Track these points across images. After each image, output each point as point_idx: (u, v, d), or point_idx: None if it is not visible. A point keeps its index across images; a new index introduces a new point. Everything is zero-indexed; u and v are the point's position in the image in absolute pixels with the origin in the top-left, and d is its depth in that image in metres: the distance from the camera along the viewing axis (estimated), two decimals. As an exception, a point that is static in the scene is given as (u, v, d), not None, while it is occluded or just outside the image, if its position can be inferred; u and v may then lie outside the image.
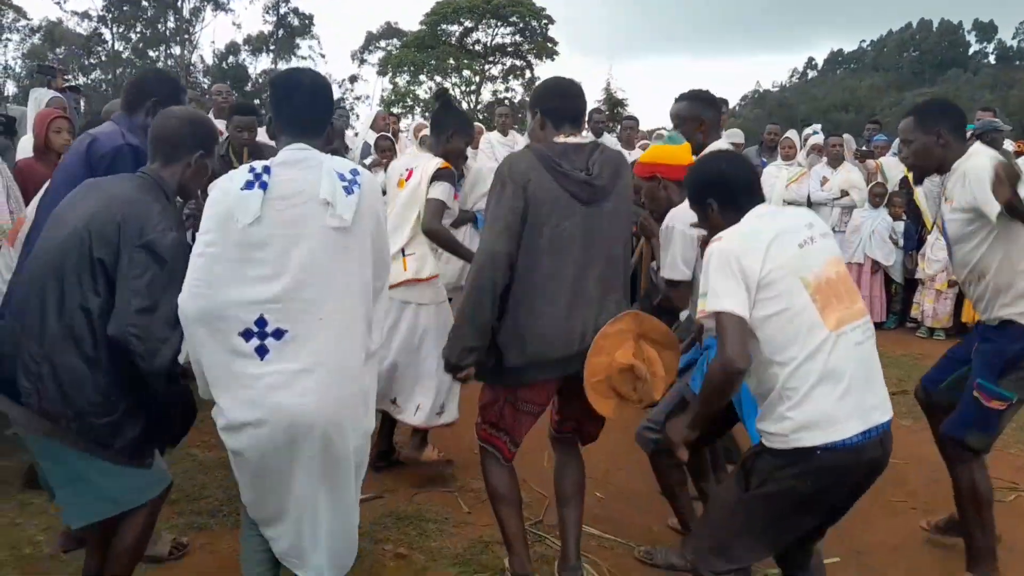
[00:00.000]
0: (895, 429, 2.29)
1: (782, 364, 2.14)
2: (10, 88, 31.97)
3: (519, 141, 8.20)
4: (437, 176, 3.62)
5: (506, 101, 33.97)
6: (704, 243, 2.52)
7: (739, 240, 2.22)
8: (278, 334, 2.07)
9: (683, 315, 3.25)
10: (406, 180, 3.74)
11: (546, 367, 2.63)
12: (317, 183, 2.13)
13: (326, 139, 2.34)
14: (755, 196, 2.39)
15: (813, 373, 2.12)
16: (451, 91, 36.11)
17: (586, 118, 2.84)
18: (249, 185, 2.10)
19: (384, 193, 3.85)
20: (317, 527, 2.24)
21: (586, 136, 2.77)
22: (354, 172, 2.20)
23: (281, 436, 2.08)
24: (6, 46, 36.42)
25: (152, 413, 2.30)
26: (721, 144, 3.52)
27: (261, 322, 2.07)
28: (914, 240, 7.73)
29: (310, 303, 2.09)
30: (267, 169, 2.14)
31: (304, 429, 2.09)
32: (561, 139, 2.70)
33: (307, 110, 2.29)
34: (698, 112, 3.40)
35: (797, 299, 2.15)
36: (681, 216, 2.91)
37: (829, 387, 2.12)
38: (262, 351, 2.07)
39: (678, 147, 3.09)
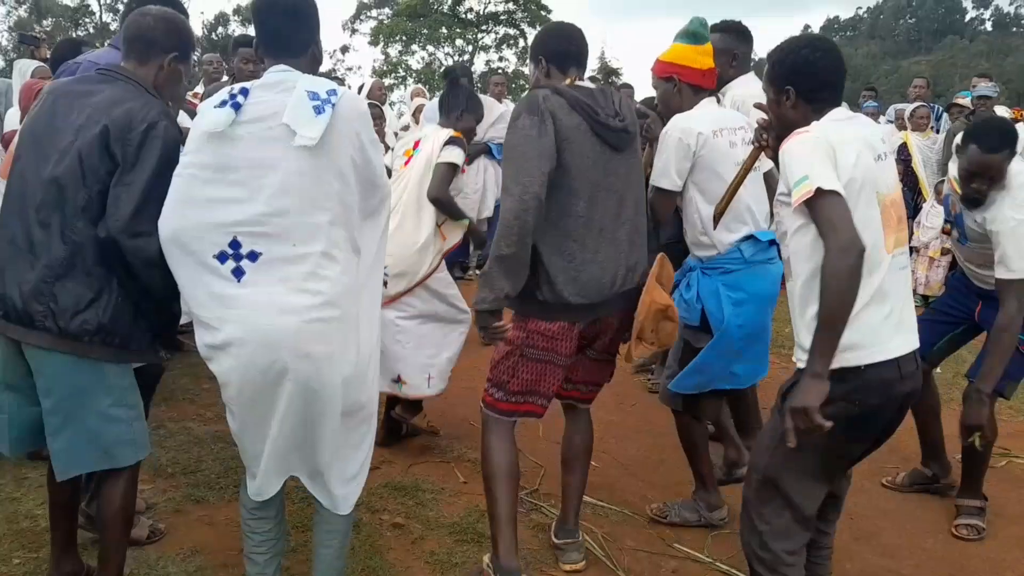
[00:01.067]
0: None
1: None
2: (-2, 61, 31.58)
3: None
4: (449, 142, 3.61)
5: (500, 70, 33.66)
6: (766, 140, 2.43)
7: (832, 133, 2.12)
8: (253, 256, 2.05)
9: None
10: (412, 149, 3.72)
11: (577, 310, 2.56)
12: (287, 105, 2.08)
13: (312, 58, 2.27)
14: (837, 97, 2.28)
15: (867, 290, 2.08)
16: (444, 62, 35.87)
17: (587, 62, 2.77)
18: (223, 104, 2.08)
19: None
20: (300, 457, 2.23)
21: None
22: (331, 92, 2.11)
23: (261, 356, 2.05)
24: (-9, 18, 35.96)
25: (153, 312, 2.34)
26: (750, 79, 3.45)
27: (235, 244, 2.05)
28: (910, 208, 7.73)
29: (284, 227, 2.05)
30: (244, 91, 2.11)
31: (284, 350, 2.05)
32: (572, 82, 2.61)
33: (286, 28, 2.21)
34: (732, 45, 3.32)
35: (870, 212, 2.12)
36: (681, 124, 2.84)
37: (877, 307, 2.12)
38: (239, 272, 2.06)
39: (700, 48, 2.95)
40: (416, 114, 7.89)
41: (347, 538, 2.48)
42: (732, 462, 3.30)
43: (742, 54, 3.37)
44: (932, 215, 7.18)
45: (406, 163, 3.73)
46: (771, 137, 2.41)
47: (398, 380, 3.65)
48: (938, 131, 8.17)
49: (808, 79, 2.23)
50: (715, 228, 2.82)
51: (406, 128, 7.97)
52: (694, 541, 3.09)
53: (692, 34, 3.00)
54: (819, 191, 1.99)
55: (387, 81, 28.13)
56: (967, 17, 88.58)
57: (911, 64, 64.69)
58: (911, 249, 7.55)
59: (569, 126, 2.48)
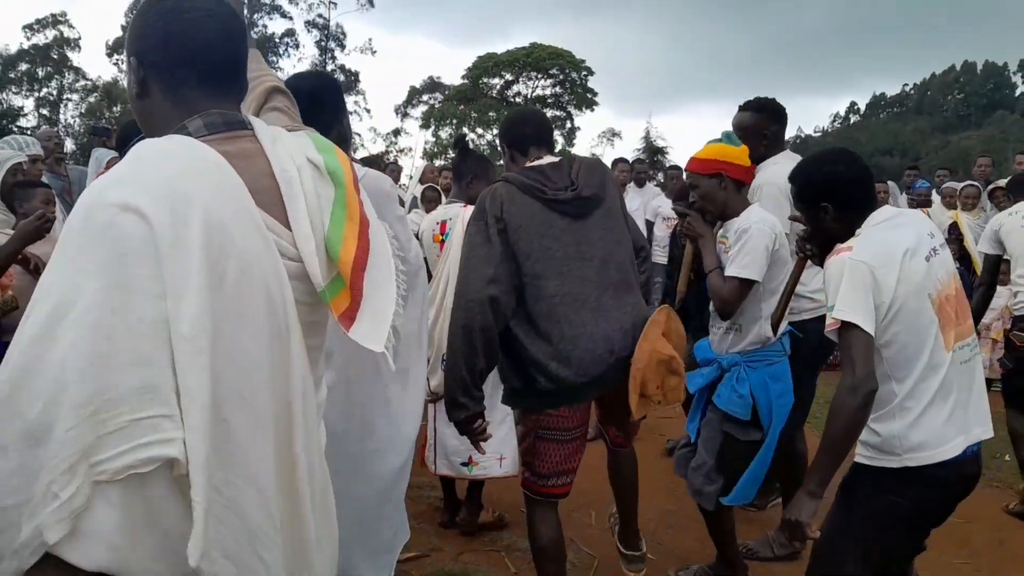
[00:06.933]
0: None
1: (900, 381, 2.13)
2: (69, 145, 33.26)
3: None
4: None
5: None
6: (810, 250, 2.49)
7: (872, 253, 2.12)
8: None
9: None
10: (440, 235, 3.74)
11: (579, 389, 2.55)
12: None
13: (338, 138, 2.29)
14: (873, 199, 2.29)
15: (928, 392, 2.11)
16: (493, 142, 36.70)
17: (552, 139, 2.90)
18: None
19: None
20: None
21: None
22: None
23: None
24: (66, 106, 38.08)
25: None
26: (785, 156, 3.46)
27: None
28: (968, 288, 7.51)
29: None
30: None
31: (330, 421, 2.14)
32: (531, 163, 2.70)
33: (307, 114, 2.18)
34: (764, 124, 3.35)
35: (923, 317, 2.13)
36: (771, 220, 2.90)
37: (939, 406, 2.13)
38: None
39: (739, 148, 3.02)
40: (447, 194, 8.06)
41: None
42: None
43: (773, 133, 3.38)
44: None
45: (441, 249, 3.72)
46: (815, 247, 2.46)
47: (468, 463, 3.64)
48: (987, 210, 8.01)
49: (841, 192, 2.27)
50: (775, 335, 2.91)
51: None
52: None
53: (727, 136, 3.10)
54: (843, 324, 2.06)
55: (438, 163, 28.87)
56: (1016, 92, 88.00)
57: (961, 139, 64.23)
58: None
59: (521, 212, 2.54)
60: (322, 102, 2.32)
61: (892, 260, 2.10)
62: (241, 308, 1.15)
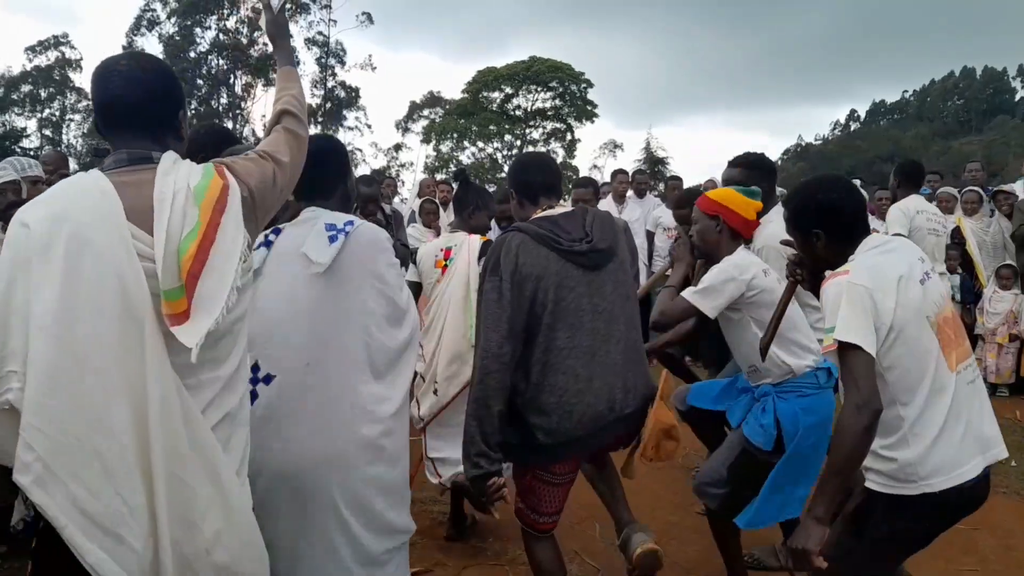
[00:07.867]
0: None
1: (905, 405, 2.11)
2: (72, 165, 33.33)
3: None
4: (484, 252, 3.59)
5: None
6: (800, 275, 2.50)
7: (869, 276, 2.12)
8: (268, 379, 2.19)
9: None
10: (444, 260, 3.72)
11: (577, 443, 2.52)
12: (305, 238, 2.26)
13: (343, 197, 2.45)
14: (865, 228, 2.29)
15: (939, 416, 2.09)
16: (494, 155, 36.88)
17: (560, 186, 2.84)
18: (259, 245, 2.28)
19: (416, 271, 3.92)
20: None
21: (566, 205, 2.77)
22: (349, 223, 2.29)
23: (264, 483, 2.13)
24: (68, 126, 38.31)
25: None
26: (777, 214, 3.47)
27: (256, 367, 2.19)
28: (971, 293, 7.49)
29: (296, 348, 2.18)
30: (277, 231, 2.32)
31: (288, 477, 2.16)
32: (542, 212, 2.66)
33: (316, 176, 2.28)
34: (753, 181, 3.36)
35: (924, 339, 2.12)
36: (732, 261, 2.93)
37: (952, 429, 2.10)
38: (253, 396, 2.15)
39: (750, 200, 3.05)
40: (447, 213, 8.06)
41: None
42: None
43: (764, 188, 3.39)
44: (996, 300, 6.98)
45: (443, 273, 3.71)
46: (805, 272, 2.46)
47: None
48: (992, 213, 7.97)
49: (835, 220, 2.27)
50: (763, 360, 2.85)
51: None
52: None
53: (749, 191, 3.12)
54: (842, 344, 2.03)
55: (439, 176, 28.98)
56: (1016, 97, 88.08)
57: (962, 145, 64.29)
58: (977, 337, 7.27)
59: (537, 263, 2.49)
60: (332, 164, 2.43)
61: (888, 284, 2.11)
62: (97, 299, 1.54)
